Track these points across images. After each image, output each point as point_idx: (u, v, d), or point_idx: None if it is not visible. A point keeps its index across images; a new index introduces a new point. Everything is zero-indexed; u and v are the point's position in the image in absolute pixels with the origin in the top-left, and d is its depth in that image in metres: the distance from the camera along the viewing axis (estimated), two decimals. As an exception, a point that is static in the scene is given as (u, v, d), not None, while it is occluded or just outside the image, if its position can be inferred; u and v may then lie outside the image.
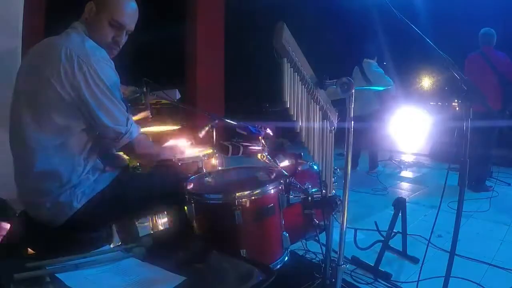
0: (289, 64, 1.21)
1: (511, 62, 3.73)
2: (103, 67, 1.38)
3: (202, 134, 2.16)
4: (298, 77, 1.28)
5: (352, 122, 1.45)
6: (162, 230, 2.22)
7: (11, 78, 1.46)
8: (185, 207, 1.57)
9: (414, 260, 2.32)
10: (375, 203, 3.66)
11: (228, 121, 2.13)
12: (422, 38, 1.33)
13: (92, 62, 1.35)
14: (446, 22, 5.78)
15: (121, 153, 1.63)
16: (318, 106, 1.48)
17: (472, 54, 3.94)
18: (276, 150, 1.87)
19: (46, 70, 1.33)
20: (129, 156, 1.64)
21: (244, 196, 1.52)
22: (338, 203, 1.56)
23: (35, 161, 1.36)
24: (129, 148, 1.50)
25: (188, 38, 6.74)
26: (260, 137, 1.94)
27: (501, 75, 3.70)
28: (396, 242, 2.38)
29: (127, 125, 1.43)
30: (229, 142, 1.82)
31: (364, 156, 5.04)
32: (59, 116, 1.35)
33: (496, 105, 3.69)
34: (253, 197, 1.54)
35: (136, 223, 2.15)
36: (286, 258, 1.68)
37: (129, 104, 1.50)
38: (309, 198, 1.66)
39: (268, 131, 2.01)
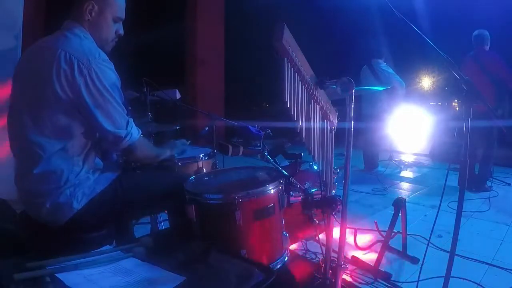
0: (289, 64, 1.21)
1: (502, 63, 3.75)
2: (104, 69, 1.38)
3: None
4: (298, 77, 1.28)
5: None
6: (162, 230, 2.22)
7: (11, 78, 1.46)
8: (185, 207, 1.57)
9: (414, 260, 2.32)
10: (375, 203, 3.66)
11: (228, 121, 2.13)
12: (422, 38, 1.33)
13: (93, 65, 1.34)
14: (446, 22, 5.78)
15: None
16: (318, 106, 1.48)
17: (466, 56, 3.98)
18: (276, 150, 1.86)
19: (45, 74, 1.32)
20: (129, 159, 1.63)
21: (244, 196, 1.52)
22: (338, 203, 1.56)
23: (36, 164, 1.35)
24: (129, 151, 1.50)
25: (188, 38, 6.74)
26: (260, 137, 1.94)
27: (493, 75, 3.73)
28: (396, 242, 2.38)
29: (126, 129, 1.43)
30: (229, 142, 1.81)
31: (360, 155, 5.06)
32: (61, 119, 1.35)
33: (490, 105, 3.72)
34: (253, 197, 1.54)
35: (136, 223, 2.15)
36: (286, 258, 1.68)
37: (129, 108, 1.50)
38: (309, 198, 1.66)
39: (268, 131, 2.01)
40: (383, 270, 2.17)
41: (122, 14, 1.53)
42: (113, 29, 1.52)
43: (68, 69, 1.31)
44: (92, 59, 1.36)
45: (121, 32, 1.56)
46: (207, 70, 6.66)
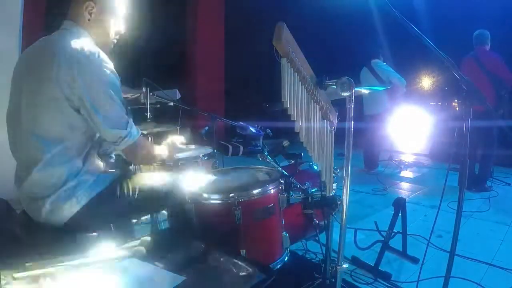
0: (289, 64, 1.20)
1: (503, 63, 3.76)
2: (103, 69, 1.37)
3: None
4: (298, 77, 1.28)
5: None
6: (162, 230, 2.21)
7: (10, 79, 1.46)
8: (185, 207, 1.57)
9: (414, 260, 2.32)
10: (375, 203, 3.66)
11: (228, 121, 2.13)
12: (422, 38, 1.33)
13: (92, 65, 1.34)
14: (446, 22, 5.78)
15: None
16: (318, 106, 1.47)
17: (466, 56, 3.98)
18: (276, 150, 1.86)
19: (44, 74, 1.32)
20: (129, 158, 1.64)
21: (244, 196, 1.52)
22: (338, 203, 1.56)
23: (36, 164, 1.35)
24: (129, 151, 1.50)
25: (188, 38, 6.74)
26: (260, 137, 1.94)
27: (493, 75, 3.73)
28: (396, 242, 2.38)
29: (126, 128, 1.43)
30: (229, 142, 1.81)
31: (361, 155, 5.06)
32: (61, 119, 1.34)
33: (490, 105, 3.72)
34: (253, 197, 1.55)
35: (136, 223, 2.14)
36: (286, 258, 1.68)
37: (129, 108, 1.50)
38: (309, 198, 1.66)
39: (268, 131, 2.01)
40: (383, 270, 2.17)
41: (121, 11, 1.53)
42: (113, 27, 1.52)
43: (67, 69, 1.31)
44: (92, 59, 1.35)
45: (122, 29, 1.55)
46: (207, 70, 6.66)
